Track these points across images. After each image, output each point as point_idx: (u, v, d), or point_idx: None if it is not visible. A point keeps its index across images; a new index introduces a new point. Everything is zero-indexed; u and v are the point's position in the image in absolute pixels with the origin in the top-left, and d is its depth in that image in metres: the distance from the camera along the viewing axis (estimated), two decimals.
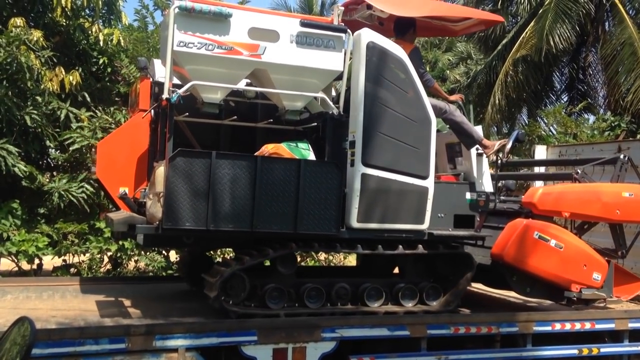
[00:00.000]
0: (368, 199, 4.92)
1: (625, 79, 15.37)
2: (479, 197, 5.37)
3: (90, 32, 9.01)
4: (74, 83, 8.35)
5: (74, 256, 8.62)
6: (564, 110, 18.22)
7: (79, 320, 4.59)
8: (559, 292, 5.59)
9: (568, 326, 5.47)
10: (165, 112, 5.09)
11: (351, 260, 10.21)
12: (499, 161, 5.53)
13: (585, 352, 5.57)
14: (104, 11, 9.70)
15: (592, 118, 17.76)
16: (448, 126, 5.73)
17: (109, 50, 9.12)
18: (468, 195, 5.41)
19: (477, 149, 5.58)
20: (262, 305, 4.94)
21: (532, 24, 16.85)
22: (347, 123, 5.01)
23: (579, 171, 5.86)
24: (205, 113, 4.89)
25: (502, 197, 5.80)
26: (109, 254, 8.58)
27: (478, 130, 5.65)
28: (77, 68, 8.75)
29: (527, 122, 20.10)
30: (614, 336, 5.76)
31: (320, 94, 4.99)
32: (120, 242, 8.03)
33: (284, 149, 4.95)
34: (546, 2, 16.58)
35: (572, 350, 5.53)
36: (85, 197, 8.07)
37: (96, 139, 7.99)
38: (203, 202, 4.55)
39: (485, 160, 5.60)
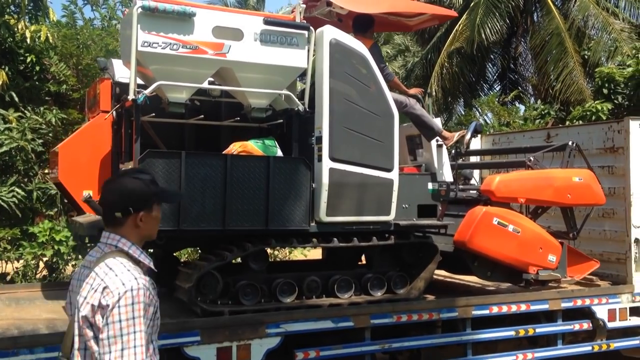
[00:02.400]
0: (336, 193, 5.03)
1: (553, 69, 16.00)
2: (440, 187, 5.57)
3: (16, 29, 8.62)
4: (1, 83, 8.02)
5: (6, 263, 8.31)
6: (497, 100, 18.92)
7: (13, 330, 4.37)
8: (518, 274, 5.88)
9: (505, 309, 5.74)
10: (130, 113, 5.06)
11: (306, 254, 10.31)
12: (459, 151, 5.75)
13: (522, 333, 5.87)
14: (30, 7, 9.22)
15: (522, 107, 18.49)
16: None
17: (37, 48, 8.81)
18: (430, 186, 5.61)
19: (437, 141, 5.78)
20: (235, 303, 4.98)
21: (464, 16, 17.33)
22: (312, 119, 5.10)
23: (532, 159, 6.15)
24: (171, 113, 4.87)
25: (460, 186, 6.02)
26: (45, 259, 8.29)
27: (437, 122, 5.85)
28: (3, 67, 8.39)
29: (463, 112, 20.76)
30: (549, 316, 6.08)
31: (285, 91, 5.05)
32: (56, 247, 7.80)
33: (252, 147, 5.00)
34: None
35: (510, 332, 5.82)
36: (17, 201, 7.77)
37: (26, 141, 7.75)
38: (174, 203, 4.55)
39: (445, 151, 5.81)
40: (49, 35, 8.66)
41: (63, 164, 5.17)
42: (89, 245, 7.75)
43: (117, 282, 2.09)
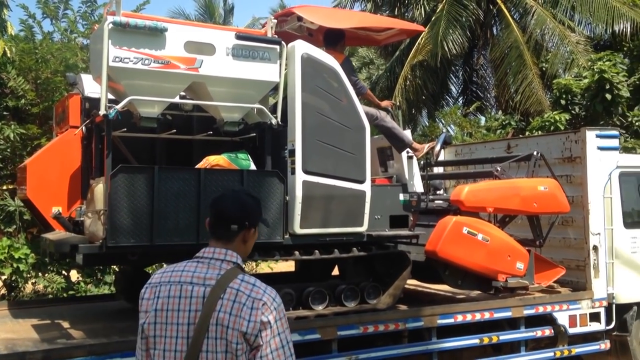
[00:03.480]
0: (309, 205, 5.07)
1: (513, 81, 16.37)
2: (412, 198, 5.66)
3: None
4: None
5: None
6: (460, 111, 19.25)
7: None
8: (487, 282, 6.01)
9: (469, 317, 5.86)
10: (100, 128, 5.01)
11: (272, 267, 10.26)
12: (429, 162, 5.86)
13: (486, 340, 6.00)
14: None
15: (483, 118, 18.86)
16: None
17: None
18: (401, 196, 5.69)
19: (407, 152, 5.88)
20: None
21: (426, 30, 17.63)
22: (285, 132, 5.13)
23: (499, 169, 6.30)
24: (143, 128, 4.84)
25: (430, 197, 6.13)
26: (3, 277, 8.06)
27: (407, 134, 5.96)
28: None
29: (427, 123, 21.07)
30: (512, 323, 6.20)
31: (258, 105, 5.08)
32: (15, 265, 7.62)
33: (225, 160, 5.00)
34: (438, 10, 17.43)
35: (474, 340, 5.94)
36: None
37: None
38: (147, 217, 4.53)
39: (415, 162, 5.91)
40: (6, 49, 8.50)
41: (32, 180, 5.09)
42: (49, 263, 7.63)
43: (268, 297, 2.14)
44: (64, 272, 8.39)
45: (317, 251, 5.21)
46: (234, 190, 2.45)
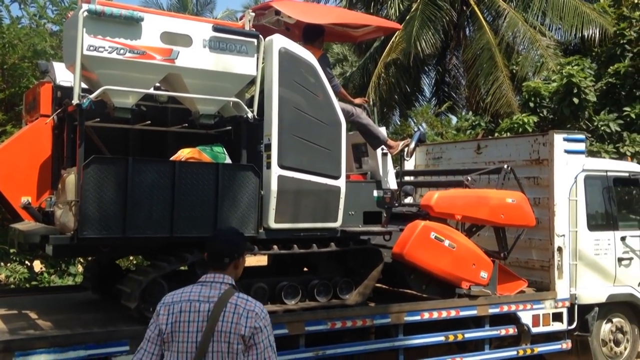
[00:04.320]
0: (284, 200, 5.07)
1: (484, 82, 16.56)
2: (385, 194, 5.70)
3: None
4: None
5: None
6: (431, 111, 19.40)
7: None
8: (451, 289, 6.09)
9: (435, 315, 5.94)
10: (72, 118, 4.93)
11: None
12: (403, 159, 5.90)
13: (452, 338, 6.09)
14: None
15: (454, 118, 19.07)
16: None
17: None
18: (375, 193, 5.73)
19: (382, 149, 5.91)
20: None
21: (401, 28, 17.71)
22: (261, 126, 5.12)
23: (469, 178, 6.38)
24: (116, 118, 4.77)
25: (402, 202, 6.15)
26: None
27: (382, 131, 5.99)
28: None
29: (399, 122, 21.21)
30: (477, 322, 6.31)
31: (234, 98, 5.05)
32: None
33: (200, 153, 4.97)
34: (412, 9, 17.54)
35: (440, 338, 6.03)
36: None
37: None
38: (120, 209, 4.48)
39: (389, 159, 5.95)
40: None
41: (1, 169, 4.97)
42: (12, 253, 7.47)
43: (259, 309, 2.80)
44: (27, 262, 8.24)
45: (295, 245, 5.22)
46: (222, 231, 3.38)
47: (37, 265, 8.50)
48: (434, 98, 21.17)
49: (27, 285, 7.96)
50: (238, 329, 2.72)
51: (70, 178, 4.56)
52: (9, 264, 7.98)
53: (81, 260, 8.32)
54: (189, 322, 2.76)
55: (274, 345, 2.82)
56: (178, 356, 2.75)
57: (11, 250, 7.72)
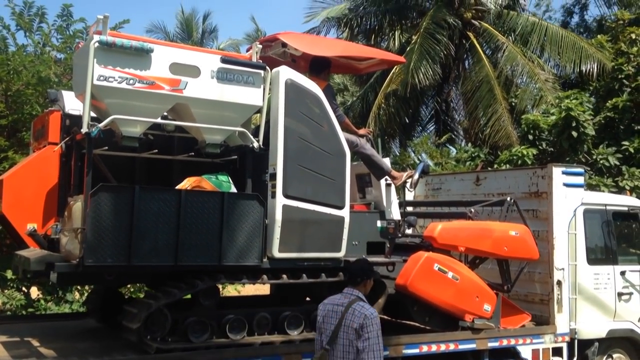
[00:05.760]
0: (289, 230, 5.10)
1: (483, 114, 16.69)
2: (389, 225, 5.72)
3: None
4: None
5: None
6: (430, 142, 19.49)
7: None
8: (454, 322, 6.05)
9: (434, 348, 5.89)
10: (80, 146, 4.98)
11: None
12: (407, 191, 5.92)
13: None
14: None
15: (454, 150, 19.14)
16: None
17: None
18: (379, 223, 5.75)
19: (386, 180, 5.95)
20: (184, 340, 4.90)
21: None
22: (266, 156, 5.17)
23: (472, 210, 6.40)
24: (124, 147, 4.83)
25: (405, 232, 6.14)
26: None
27: (386, 162, 6.04)
28: None
29: (398, 152, 21.32)
30: (476, 355, 6.23)
31: (240, 128, 5.11)
32: None
33: (206, 182, 5.01)
34: (412, 42, 17.78)
35: None
36: None
37: None
38: (126, 237, 4.50)
39: (393, 190, 5.99)
40: None
41: (8, 196, 5.01)
42: (10, 279, 7.42)
43: (369, 312, 4.09)
44: (24, 288, 8.20)
45: (304, 274, 5.25)
46: (358, 260, 4.79)
47: (34, 292, 8.46)
48: (433, 128, 21.29)
49: (24, 312, 7.90)
50: (355, 324, 4.05)
51: (77, 205, 4.59)
52: (5, 291, 7.94)
53: (78, 287, 8.29)
54: (330, 317, 4.20)
55: (381, 340, 4.09)
56: (324, 338, 4.19)
57: (8, 277, 7.70)
